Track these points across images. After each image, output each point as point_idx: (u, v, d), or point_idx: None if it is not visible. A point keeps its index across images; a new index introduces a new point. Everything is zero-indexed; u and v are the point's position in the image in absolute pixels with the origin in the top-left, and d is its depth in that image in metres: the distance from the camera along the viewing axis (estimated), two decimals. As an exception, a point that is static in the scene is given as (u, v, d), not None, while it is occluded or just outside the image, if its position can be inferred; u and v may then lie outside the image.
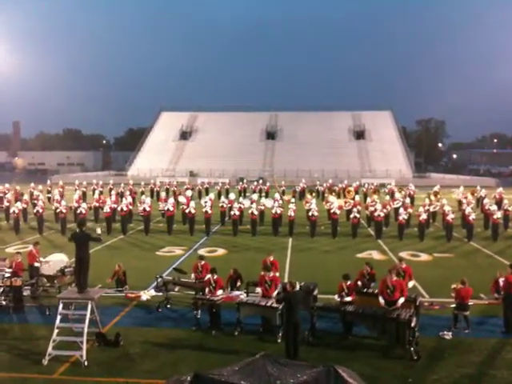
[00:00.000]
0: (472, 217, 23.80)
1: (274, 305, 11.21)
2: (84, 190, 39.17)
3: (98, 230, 11.97)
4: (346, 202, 29.82)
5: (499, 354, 10.52)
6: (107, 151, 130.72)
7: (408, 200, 31.31)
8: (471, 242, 22.98)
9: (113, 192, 33.69)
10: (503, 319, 11.78)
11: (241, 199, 29.89)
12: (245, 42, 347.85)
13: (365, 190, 41.30)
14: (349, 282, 11.72)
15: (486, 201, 29.38)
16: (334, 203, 26.69)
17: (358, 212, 25.04)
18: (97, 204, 29.45)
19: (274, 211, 25.26)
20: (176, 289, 13.82)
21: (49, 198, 37.22)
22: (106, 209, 26.07)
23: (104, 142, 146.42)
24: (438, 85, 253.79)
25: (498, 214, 24.34)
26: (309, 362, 7.58)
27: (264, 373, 5.99)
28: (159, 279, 13.93)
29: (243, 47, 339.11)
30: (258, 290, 12.00)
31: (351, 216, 25.16)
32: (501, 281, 12.43)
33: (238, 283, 13.45)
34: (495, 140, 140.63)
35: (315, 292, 12.76)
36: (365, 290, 12.49)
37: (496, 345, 10.96)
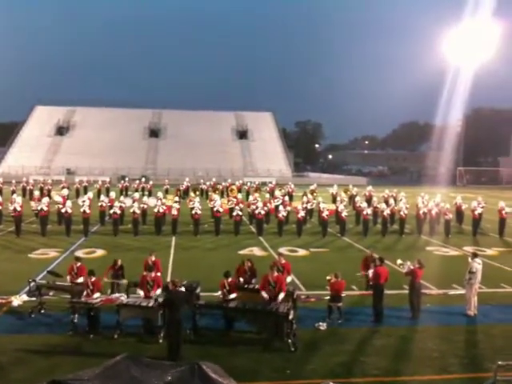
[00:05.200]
0: (344, 213, 25.39)
1: (156, 305, 11.07)
2: None
3: None
4: (229, 201, 30.26)
5: (369, 341, 11.31)
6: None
7: (287, 198, 32.60)
8: (344, 237, 24.49)
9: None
10: (372, 309, 12.62)
11: (122, 198, 29.06)
12: (126, 37, 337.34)
13: (247, 188, 42.22)
14: (230, 279, 11.92)
15: (357, 198, 31.42)
16: (218, 201, 26.99)
17: (241, 210, 25.57)
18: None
19: (156, 210, 24.90)
20: (51, 293, 13.11)
21: None
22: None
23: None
24: (315, 89, 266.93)
25: (368, 211, 26.18)
26: (186, 361, 7.60)
27: (127, 375, 5.87)
28: (32, 283, 13.10)
29: (125, 42, 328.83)
30: (140, 291, 11.78)
31: (234, 214, 25.60)
32: (370, 272, 13.41)
33: (124, 280, 13.49)
34: (366, 142, 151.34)
35: (198, 290, 12.81)
36: (246, 285, 12.82)
37: (366, 333, 11.75)
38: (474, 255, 13.46)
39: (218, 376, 6.00)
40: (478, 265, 13.10)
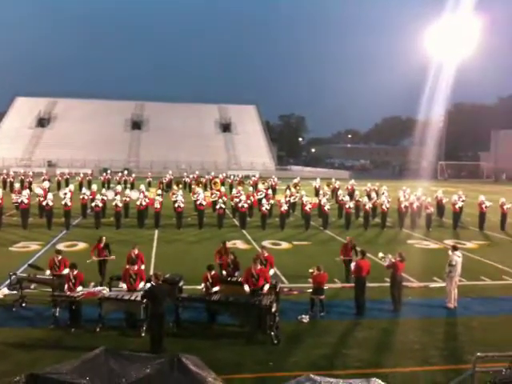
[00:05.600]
0: (327, 207, 25.52)
1: (138, 298, 11.02)
2: None
3: None
4: (212, 194, 30.20)
5: (351, 333, 11.41)
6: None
7: (270, 191, 32.62)
8: (326, 231, 24.63)
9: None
10: (354, 301, 12.74)
11: (104, 191, 28.80)
12: (109, 29, 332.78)
13: (230, 181, 42.15)
14: (213, 272, 11.91)
15: (339, 192, 31.56)
16: (201, 194, 26.91)
17: (224, 203, 25.55)
18: None
19: (139, 203, 24.74)
20: (32, 286, 13.00)
21: None
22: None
23: None
24: (299, 83, 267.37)
25: (351, 204, 26.34)
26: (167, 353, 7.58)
27: (106, 368, 5.83)
28: (13, 276, 12.98)
29: (108, 34, 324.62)
30: (123, 285, 11.72)
31: (217, 207, 25.57)
32: (352, 265, 13.50)
33: (113, 256, 14.14)
34: (349, 136, 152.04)
35: (181, 283, 12.79)
36: (229, 278, 12.83)
37: (348, 326, 11.85)
38: (454, 248, 13.65)
39: (197, 368, 6.00)
40: (457, 258, 13.28)
